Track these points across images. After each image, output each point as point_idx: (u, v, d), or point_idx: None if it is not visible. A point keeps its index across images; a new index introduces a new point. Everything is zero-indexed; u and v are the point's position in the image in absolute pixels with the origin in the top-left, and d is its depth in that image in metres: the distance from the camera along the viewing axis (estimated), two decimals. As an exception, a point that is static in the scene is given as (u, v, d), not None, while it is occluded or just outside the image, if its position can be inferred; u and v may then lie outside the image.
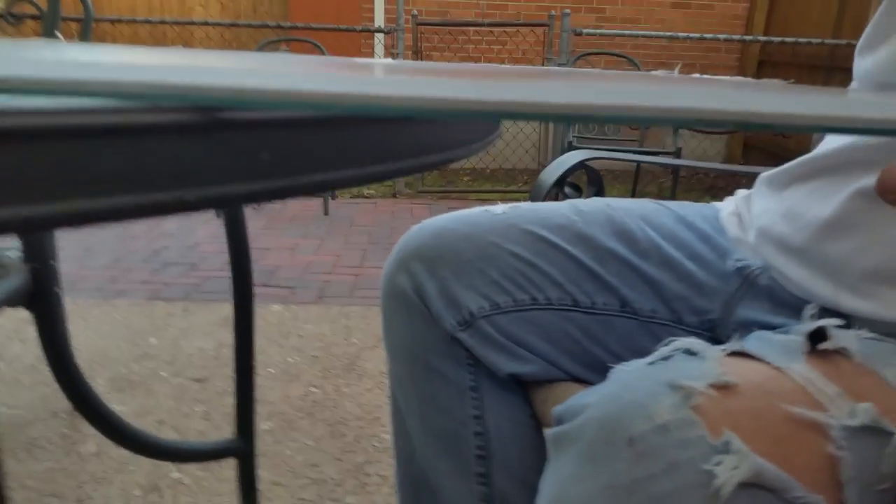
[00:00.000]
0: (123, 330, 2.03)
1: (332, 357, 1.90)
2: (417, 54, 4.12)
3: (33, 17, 1.46)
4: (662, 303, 0.69)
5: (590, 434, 0.45)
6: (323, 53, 4.46)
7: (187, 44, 7.16)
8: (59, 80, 0.23)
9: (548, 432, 0.50)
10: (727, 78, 0.43)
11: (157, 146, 0.24)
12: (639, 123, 0.24)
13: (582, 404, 0.47)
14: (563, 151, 2.05)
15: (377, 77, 0.24)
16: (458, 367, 0.73)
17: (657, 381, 0.45)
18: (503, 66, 0.45)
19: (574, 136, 3.73)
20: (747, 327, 0.65)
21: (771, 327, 0.61)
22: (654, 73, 0.47)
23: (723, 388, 0.44)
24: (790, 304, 0.63)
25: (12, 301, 0.91)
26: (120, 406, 1.60)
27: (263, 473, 1.38)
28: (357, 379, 1.77)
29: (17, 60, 0.24)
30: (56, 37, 0.92)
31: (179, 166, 0.24)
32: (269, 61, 0.33)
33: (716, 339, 0.68)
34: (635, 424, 0.43)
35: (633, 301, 0.69)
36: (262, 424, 1.56)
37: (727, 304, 0.67)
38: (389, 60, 0.43)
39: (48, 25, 0.87)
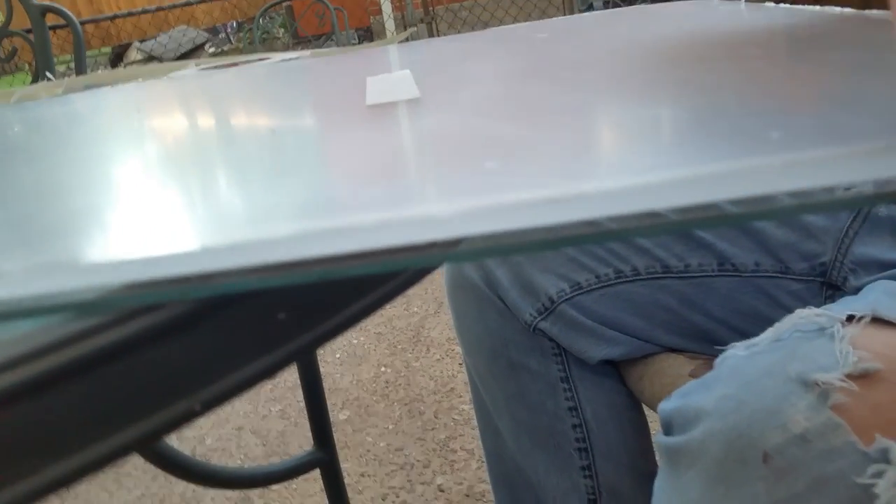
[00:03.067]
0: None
1: (396, 331, 1.87)
2: (426, 4, 3.98)
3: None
4: (766, 253, 0.61)
5: (715, 450, 0.39)
6: (328, 9, 4.34)
7: (190, 23, 7.07)
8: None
9: (659, 439, 0.44)
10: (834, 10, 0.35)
11: (135, 364, 0.18)
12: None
13: (696, 408, 0.41)
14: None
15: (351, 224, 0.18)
16: (544, 360, 0.68)
17: (784, 376, 0.39)
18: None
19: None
20: (865, 266, 0.57)
21: (894, 265, 0.54)
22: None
23: (864, 376, 0.37)
24: None
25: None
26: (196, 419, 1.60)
27: (349, 466, 1.37)
28: (425, 350, 1.74)
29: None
30: (48, 78, 0.87)
31: (172, 378, 0.19)
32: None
33: (830, 285, 0.61)
34: (769, 436, 0.37)
35: (732, 256, 0.62)
36: (339, 414, 1.54)
37: (839, 242, 0.60)
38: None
39: (40, 66, 0.82)
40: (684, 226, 0.18)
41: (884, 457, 0.35)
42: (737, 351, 0.43)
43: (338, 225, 0.17)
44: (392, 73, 0.40)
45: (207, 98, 0.47)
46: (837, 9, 0.39)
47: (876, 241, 0.58)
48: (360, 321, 0.24)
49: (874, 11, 0.35)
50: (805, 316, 0.43)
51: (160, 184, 0.24)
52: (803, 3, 0.48)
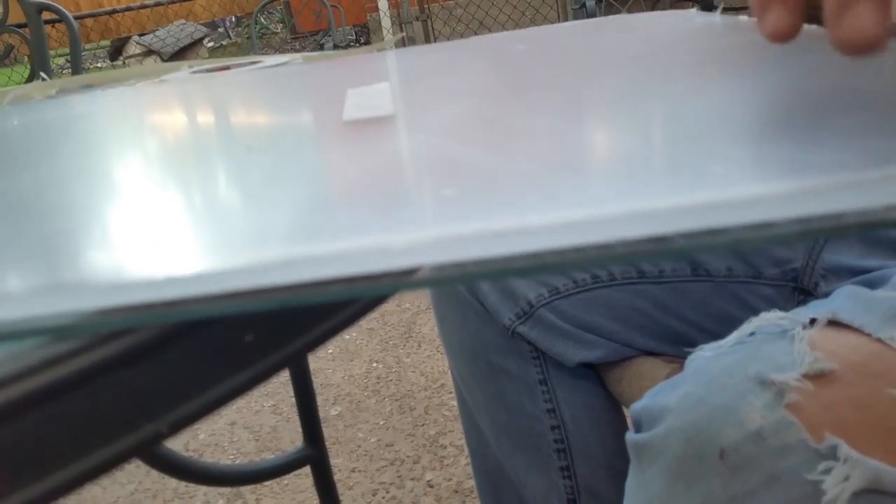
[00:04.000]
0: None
1: (388, 326, 1.88)
2: (422, 2, 3.98)
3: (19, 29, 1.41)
4: (738, 258, 0.63)
5: (676, 448, 0.40)
6: (325, 6, 4.34)
7: (188, 17, 7.05)
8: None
9: (628, 437, 0.46)
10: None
11: (102, 389, 0.19)
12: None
13: (661, 406, 0.42)
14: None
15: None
16: (523, 363, 0.69)
17: (744, 376, 0.40)
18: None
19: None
20: (836, 273, 0.59)
21: (864, 271, 0.55)
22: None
23: (819, 376, 0.38)
24: (885, 243, 0.56)
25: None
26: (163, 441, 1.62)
27: (340, 461, 1.38)
28: (416, 347, 1.76)
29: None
30: (42, 78, 0.88)
31: (139, 401, 0.20)
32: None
33: (801, 290, 0.62)
34: (725, 433, 0.38)
35: (705, 262, 0.63)
36: (331, 410, 1.55)
37: (811, 249, 0.61)
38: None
39: (35, 65, 0.83)
40: (630, 257, 0.19)
41: (832, 454, 0.36)
42: (703, 352, 0.44)
43: (295, 255, 0.18)
44: (371, 85, 0.41)
45: (193, 108, 0.48)
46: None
47: (845, 250, 0.59)
48: (324, 342, 0.25)
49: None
50: (768, 319, 0.44)
51: (131, 203, 0.25)
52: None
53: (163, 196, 0.26)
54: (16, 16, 1.50)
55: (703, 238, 0.19)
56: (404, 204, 0.21)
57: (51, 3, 1.20)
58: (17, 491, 0.18)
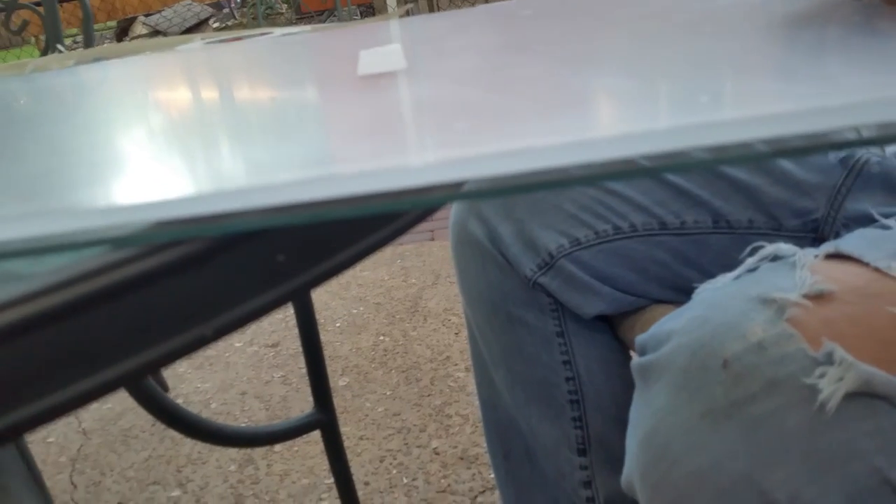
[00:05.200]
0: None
1: (395, 301, 1.91)
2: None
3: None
4: (759, 210, 0.64)
5: (681, 361, 0.43)
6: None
7: (195, -3, 7.03)
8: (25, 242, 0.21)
9: (633, 363, 0.48)
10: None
11: (157, 292, 0.22)
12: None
13: (667, 331, 0.45)
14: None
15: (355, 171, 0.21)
16: (542, 314, 0.71)
17: (746, 297, 0.42)
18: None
19: None
20: (859, 221, 0.60)
21: (886, 218, 0.56)
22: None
23: (818, 297, 0.41)
24: None
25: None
26: (203, 383, 1.65)
27: (348, 430, 1.42)
28: (422, 321, 1.78)
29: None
30: (59, 50, 0.90)
31: (188, 305, 0.22)
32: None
33: (823, 241, 0.64)
34: (728, 346, 0.41)
35: (726, 213, 0.64)
36: (339, 381, 1.58)
37: (832, 198, 0.62)
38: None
39: (50, 39, 0.85)
40: (652, 172, 0.21)
41: (829, 360, 0.38)
42: (709, 284, 0.46)
43: (328, 174, 0.21)
44: (384, 46, 0.43)
45: (214, 70, 0.50)
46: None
47: (868, 197, 0.60)
48: (347, 268, 0.27)
49: None
50: (774, 248, 0.46)
51: (177, 142, 0.28)
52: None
53: (206, 136, 0.28)
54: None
55: (680, 158, 0.21)
56: (420, 135, 0.24)
57: (63, -22, 1.22)
58: (92, 375, 0.20)
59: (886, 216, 0.56)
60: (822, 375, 0.38)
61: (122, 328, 0.21)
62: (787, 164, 0.63)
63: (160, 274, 0.21)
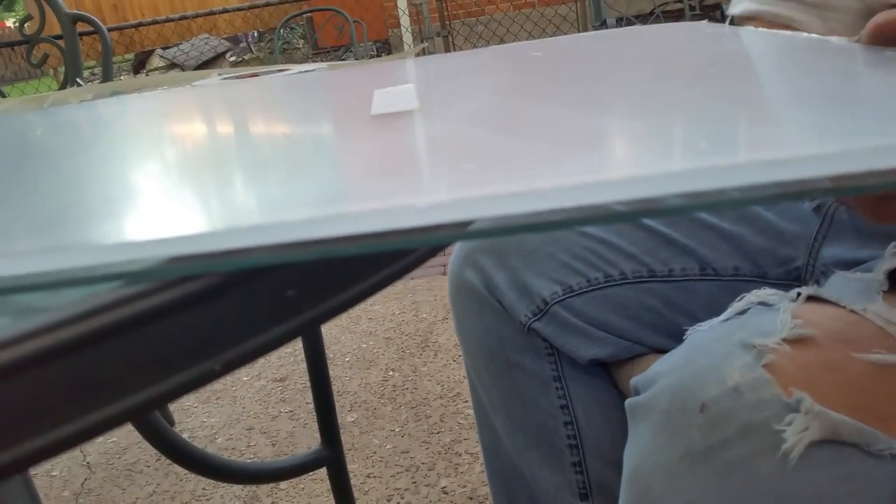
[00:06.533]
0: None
1: (405, 336, 1.90)
2: (443, 19, 4.05)
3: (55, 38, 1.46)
4: (744, 258, 0.66)
5: (663, 403, 0.44)
6: (348, 21, 4.41)
7: (212, 31, 7.18)
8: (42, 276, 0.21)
9: (627, 402, 0.49)
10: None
11: (167, 327, 0.22)
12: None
13: (656, 373, 0.46)
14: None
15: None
16: (538, 359, 0.72)
17: (729, 341, 0.43)
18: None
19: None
20: (836, 266, 0.61)
21: (860, 263, 0.57)
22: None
23: (797, 341, 0.42)
24: (879, 234, 0.59)
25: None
26: (209, 418, 1.64)
27: (355, 467, 1.40)
28: (433, 356, 1.78)
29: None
30: (77, 83, 0.91)
31: (197, 340, 0.23)
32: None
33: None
34: (707, 389, 0.42)
35: (712, 261, 0.66)
36: (347, 416, 1.57)
37: (810, 247, 0.64)
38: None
39: (69, 72, 0.87)
40: (630, 216, 0.21)
41: (798, 407, 0.39)
42: (700, 326, 0.48)
43: (338, 212, 0.21)
44: (397, 86, 0.44)
45: (230, 105, 0.51)
46: (813, 35, 0.42)
47: (841, 243, 0.62)
48: (357, 303, 0.28)
49: (834, 38, 0.38)
50: (761, 294, 0.48)
51: (190, 178, 0.28)
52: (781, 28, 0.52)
53: (219, 171, 0.28)
54: (48, 29, 1.55)
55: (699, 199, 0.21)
56: (430, 174, 0.24)
57: (84, 13, 1.25)
58: (102, 408, 0.20)
59: (860, 261, 0.57)
60: (789, 423, 0.39)
61: (131, 362, 0.21)
62: (768, 214, 0.65)
63: (170, 309, 0.22)
